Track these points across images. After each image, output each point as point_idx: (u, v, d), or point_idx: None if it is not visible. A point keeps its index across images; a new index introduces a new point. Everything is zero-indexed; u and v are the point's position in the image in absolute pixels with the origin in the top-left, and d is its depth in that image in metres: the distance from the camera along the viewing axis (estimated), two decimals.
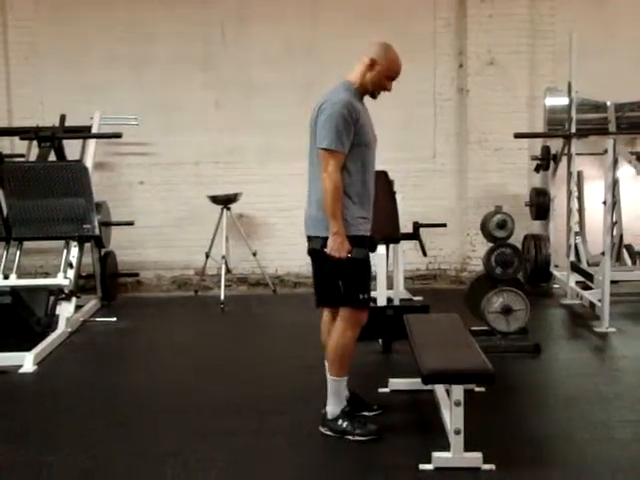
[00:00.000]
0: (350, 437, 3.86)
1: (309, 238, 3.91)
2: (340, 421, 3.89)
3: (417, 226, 6.81)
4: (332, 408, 3.93)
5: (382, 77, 3.84)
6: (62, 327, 6.08)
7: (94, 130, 7.53)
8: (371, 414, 4.14)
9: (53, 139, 7.11)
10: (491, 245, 5.67)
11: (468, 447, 3.45)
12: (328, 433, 3.92)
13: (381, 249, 5.71)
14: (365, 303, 3.86)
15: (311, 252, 3.89)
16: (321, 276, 3.90)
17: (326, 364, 3.95)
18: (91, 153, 7.36)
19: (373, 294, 6.13)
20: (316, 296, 4.02)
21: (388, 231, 5.88)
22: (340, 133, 3.64)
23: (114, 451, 3.83)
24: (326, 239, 3.73)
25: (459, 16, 8.08)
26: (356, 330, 3.90)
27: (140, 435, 4.05)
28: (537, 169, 7.94)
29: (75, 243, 6.65)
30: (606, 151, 6.06)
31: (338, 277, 3.77)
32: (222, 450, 3.79)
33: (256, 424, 4.12)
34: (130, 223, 7.57)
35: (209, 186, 7.92)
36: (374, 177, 3.91)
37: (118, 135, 7.22)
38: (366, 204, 3.84)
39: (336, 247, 3.67)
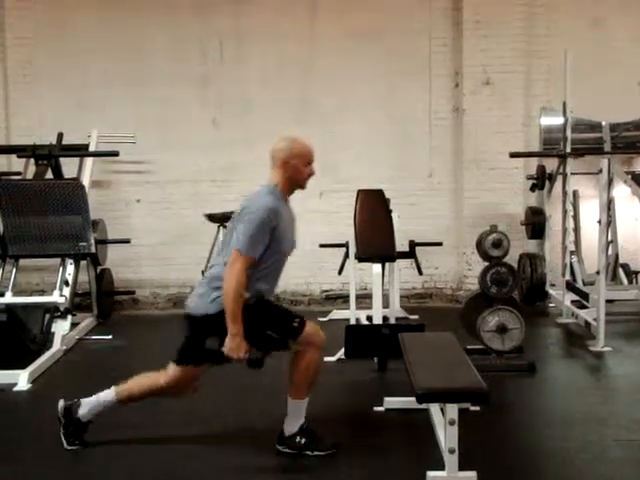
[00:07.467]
0: (309, 452, 3.89)
1: (194, 319, 3.87)
2: (298, 438, 3.92)
3: (413, 245, 6.83)
4: (290, 426, 3.94)
5: (300, 169, 3.86)
6: (57, 345, 6.07)
7: (91, 148, 7.57)
8: None
9: (50, 157, 7.14)
10: (486, 264, 5.68)
11: (463, 466, 3.43)
12: (286, 450, 3.93)
13: (377, 268, 5.73)
14: (301, 325, 3.84)
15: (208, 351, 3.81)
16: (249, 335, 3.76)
17: (290, 387, 3.94)
18: (88, 171, 7.39)
19: (369, 312, 6.21)
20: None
21: (384, 250, 5.89)
22: (255, 239, 3.66)
23: (110, 470, 3.82)
24: (205, 317, 3.75)
25: (455, 36, 8.14)
26: (316, 352, 3.89)
27: (136, 454, 4.03)
28: (532, 188, 7.96)
29: (71, 261, 6.66)
30: (601, 170, 6.08)
31: (266, 329, 3.78)
32: (220, 471, 3.78)
33: (250, 444, 4.10)
34: (127, 241, 7.57)
35: (206, 204, 7.90)
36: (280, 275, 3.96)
37: (115, 153, 7.26)
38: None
39: (234, 348, 3.66)
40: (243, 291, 3.66)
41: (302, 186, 3.94)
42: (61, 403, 4.12)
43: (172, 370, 3.98)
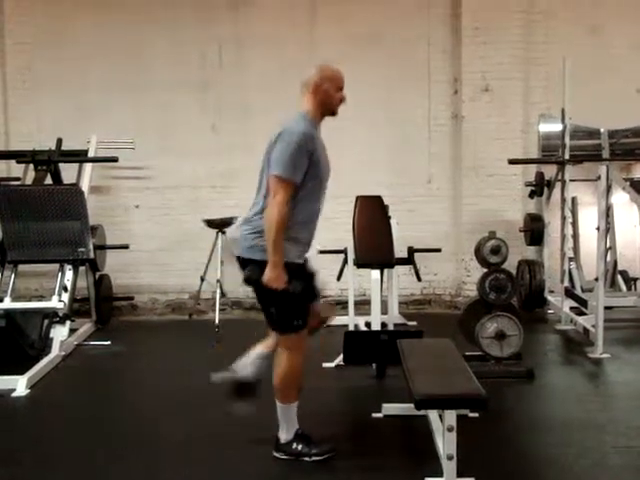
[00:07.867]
0: (307, 458, 3.86)
1: (242, 260, 3.82)
2: (294, 444, 3.89)
3: (412, 251, 6.83)
4: (285, 433, 3.91)
5: (331, 93, 3.88)
6: (56, 350, 6.06)
7: (90, 154, 7.56)
8: None
9: (49, 163, 7.14)
10: (485, 270, 5.68)
11: (461, 473, 3.43)
12: (283, 457, 3.90)
13: (375, 274, 5.73)
14: (298, 328, 3.79)
15: (247, 279, 3.81)
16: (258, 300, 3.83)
17: (276, 392, 3.89)
18: (87, 177, 7.39)
19: (367, 319, 6.22)
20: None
21: (383, 256, 5.89)
22: (295, 163, 3.63)
23: (110, 472, 3.82)
24: (260, 262, 3.66)
25: (454, 43, 8.15)
26: (299, 356, 3.84)
27: (135, 456, 4.03)
28: (531, 195, 7.97)
29: (70, 266, 6.65)
30: (599, 177, 6.09)
31: (271, 304, 3.74)
32: (219, 478, 3.77)
33: (248, 450, 4.09)
34: (125, 247, 7.57)
35: (205, 210, 7.91)
36: (322, 207, 3.91)
37: (114, 159, 7.26)
38: (307, 235, 3.83)
39: (274, 278, 3.60)
40: (285, 221, 3.59)
41: (334, 111, 3.92)
42: (219, 375, 4.04)
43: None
